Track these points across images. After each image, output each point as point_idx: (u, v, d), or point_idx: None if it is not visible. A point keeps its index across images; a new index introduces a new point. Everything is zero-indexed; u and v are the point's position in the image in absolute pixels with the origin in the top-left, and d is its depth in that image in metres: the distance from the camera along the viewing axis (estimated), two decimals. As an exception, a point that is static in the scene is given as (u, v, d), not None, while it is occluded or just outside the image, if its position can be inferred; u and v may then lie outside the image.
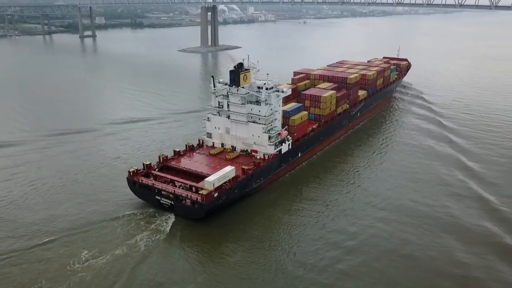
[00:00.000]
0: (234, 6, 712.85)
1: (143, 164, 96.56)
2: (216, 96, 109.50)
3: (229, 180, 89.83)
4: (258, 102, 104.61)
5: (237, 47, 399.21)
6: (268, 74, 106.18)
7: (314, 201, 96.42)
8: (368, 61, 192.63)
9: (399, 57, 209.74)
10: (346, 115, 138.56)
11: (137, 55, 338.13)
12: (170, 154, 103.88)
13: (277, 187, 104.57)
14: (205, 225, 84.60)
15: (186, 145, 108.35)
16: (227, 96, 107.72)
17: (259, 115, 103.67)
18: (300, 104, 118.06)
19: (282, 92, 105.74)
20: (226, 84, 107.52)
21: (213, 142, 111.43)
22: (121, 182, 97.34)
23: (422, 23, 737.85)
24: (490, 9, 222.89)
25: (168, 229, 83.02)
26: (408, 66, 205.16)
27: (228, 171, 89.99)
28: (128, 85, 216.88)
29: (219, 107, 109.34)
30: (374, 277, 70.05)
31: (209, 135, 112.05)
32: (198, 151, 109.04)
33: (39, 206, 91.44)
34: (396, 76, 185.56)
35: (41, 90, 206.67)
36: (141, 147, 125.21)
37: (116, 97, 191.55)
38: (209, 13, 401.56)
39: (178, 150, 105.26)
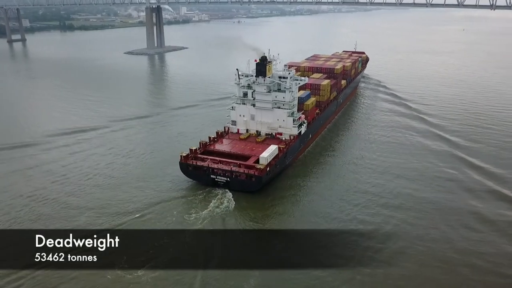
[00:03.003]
0: (166, 6, 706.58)
1: (190, 149, 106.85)
2: (240, 87, 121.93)
3: (273, 157, 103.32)
4: (280, 90, 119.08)
5: (183, 48, 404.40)
6: (285, 65, 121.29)
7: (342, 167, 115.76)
8: (332, 54, 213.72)
9: (357, 50, 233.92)
10: (335, 102, 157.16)
11: (79, 60, 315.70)
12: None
13: (300, 163, 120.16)
14: (261, 198, 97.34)
15: (216, 132, 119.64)
16: (250, 86, 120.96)
17: (283, 101, 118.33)
18: (309, 92, 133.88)
19: (301, 80, 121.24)
20: (248, 76, 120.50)
21: (238, 129, 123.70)
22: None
23: (347, 21, 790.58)
24: (427, 7, 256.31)
25: (232, 206, 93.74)
26: (367, 58, 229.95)
27: (273, 149, 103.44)
28: (88, 93, 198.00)
29: (243, 97, 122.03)
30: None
31: (234, 123, 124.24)
32: (227, 137, 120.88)
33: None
34: (361, 67, 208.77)
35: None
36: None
37: (80, 105, 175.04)
38: (154, 14, 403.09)
39: (212, 136, 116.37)
